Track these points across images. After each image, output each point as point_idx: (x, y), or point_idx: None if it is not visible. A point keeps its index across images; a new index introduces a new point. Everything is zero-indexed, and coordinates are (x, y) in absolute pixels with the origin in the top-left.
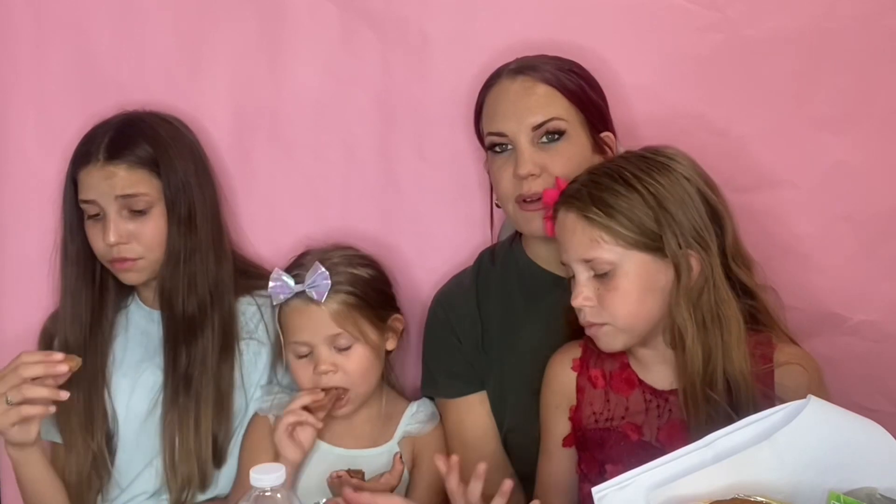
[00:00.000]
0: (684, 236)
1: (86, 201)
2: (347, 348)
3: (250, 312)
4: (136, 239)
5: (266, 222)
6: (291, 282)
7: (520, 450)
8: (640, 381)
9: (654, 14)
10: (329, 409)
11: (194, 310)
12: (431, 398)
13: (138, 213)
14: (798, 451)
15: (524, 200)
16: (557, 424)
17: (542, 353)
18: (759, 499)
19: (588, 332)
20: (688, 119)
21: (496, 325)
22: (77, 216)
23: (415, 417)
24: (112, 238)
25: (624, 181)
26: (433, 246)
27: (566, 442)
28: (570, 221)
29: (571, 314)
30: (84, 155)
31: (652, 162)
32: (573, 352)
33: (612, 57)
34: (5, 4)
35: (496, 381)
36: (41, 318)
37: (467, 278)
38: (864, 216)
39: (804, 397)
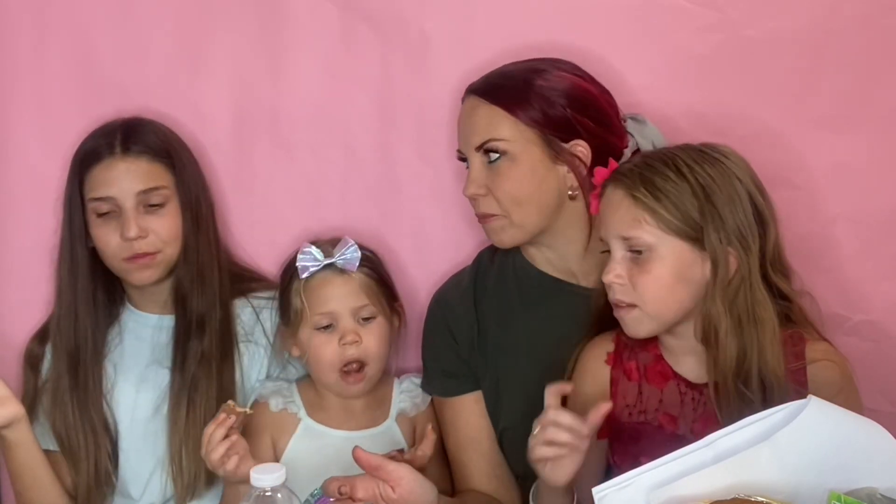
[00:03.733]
0: (726, 232)
1: (99, 199)
2: (370, 320)
3: (246, 315)
4: (154, 233)
5: (266, 222)
6: (320, 254)
7: (516, 449)
8: (675, 374)
9: (654, 14)
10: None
11: (203, 310)
12: (430, 394)
13: (155, 208)
14: (798, 451)
15: (478, 216)
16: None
17: (537, 353)
18: (760, 499)
19: (616, 313)
20: (688, 119)
21: (492, 325)
22: (84, 219)
23: (407, 395)
24: (133, 232)
25: (676, 168)
26: (433, 246)
27: (600, 434)
28: (617, 197)
29: (601, 300)
30: (94, 152)
31: (707, 156)
32: (606, 345)
33: (611, 57)
34: (5, 5)
35: (491, 380)
36: (41, 319)
37: (465, 278)
38: (865, 216)
39: (837, 394)
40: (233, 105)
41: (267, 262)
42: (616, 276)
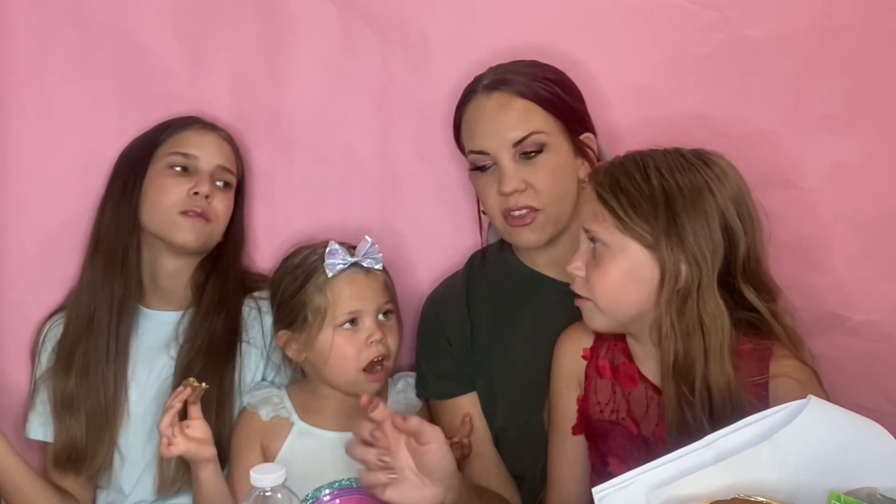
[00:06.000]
0: (680, 241)
1: (183, 153)
2: (389, 319)
3: (248, 314)
4: (214, 202)
5: (266, 222)
6: (347, 254)
7: (511, 449)
8: (642, 377)
9: (654, 14)
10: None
11: (216, 304)
12: (425, 399)
13: (222, 188)
14: (798, 451)
15: (511, 215)
16: (567, 408)
17: (531, 353)
18: (760, 499)
19: (576, 302)
20: (688, 119)
21: (486, 327)
22: (140, 183)
23: (401, 395)
24: (206, 189)
25: (644, 171)
26: (433, 246)
27: (575, 430)
28: (587, 191)
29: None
30: (182, 123)
31: (685, 163)
32: (584, 340)
33: (611, 57)
34: (6, 5)
35: (486, 381)
36: (41, 319)
37: (458, 281)
38: (865, 216)
39: None
40: (233, 105)
41: (266, 262)
42: (576, 266)
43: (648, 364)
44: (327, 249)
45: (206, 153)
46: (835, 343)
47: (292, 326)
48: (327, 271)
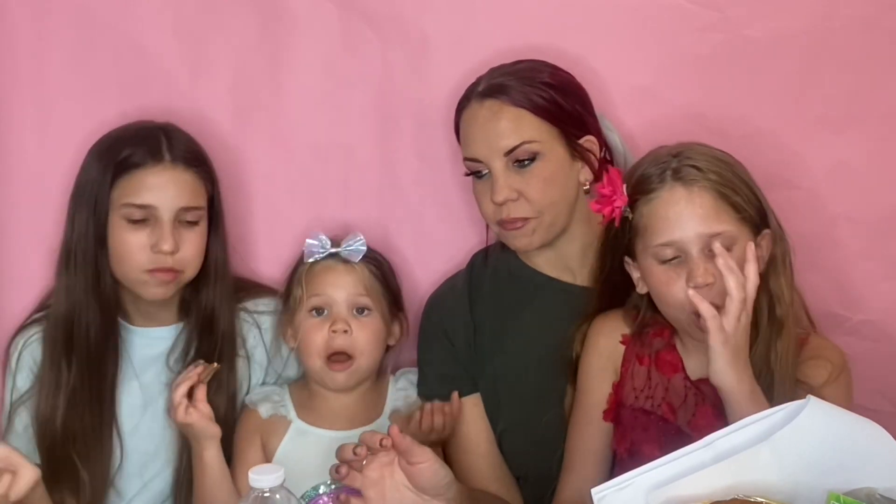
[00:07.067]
0: (770, 211)
1: (136, 205)
2: (364, 315)
3: (243, 328)
4: (183, 251)
5: (266, 222)
6: (328, 242)
7: (515, 450)
8: (683, 367)
9: (654, 14)
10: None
11: (209, 316)
12: (426, 398)
13: (189, 225)
14: (798, 451)
15: (504, 221)
16: (598, 391)
17: (533, 353)
18: (759, 499)
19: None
20: (688, 119)
21: (488, 327)
22: (102, 224)
23: (402, 392)
24: (168, 245)
25: (724, 161)
26: (433, 246)
27: (606, 416)
28: (696, 196)
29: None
30: (137, 156)
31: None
32: (622, 326)
33: (612, 57)
34: (5, 5)
35: (489, 382)
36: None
37: (460, 281)
38: (865, 216)
39: (823, 386)
40: (233, 105)
41: (266, 262)
42: (712, 275)
43: (697, 357)
44: (309, 236)
45: (164, 198)
46: (835, 343)
47: (284, 308)
48: (305, 257)
